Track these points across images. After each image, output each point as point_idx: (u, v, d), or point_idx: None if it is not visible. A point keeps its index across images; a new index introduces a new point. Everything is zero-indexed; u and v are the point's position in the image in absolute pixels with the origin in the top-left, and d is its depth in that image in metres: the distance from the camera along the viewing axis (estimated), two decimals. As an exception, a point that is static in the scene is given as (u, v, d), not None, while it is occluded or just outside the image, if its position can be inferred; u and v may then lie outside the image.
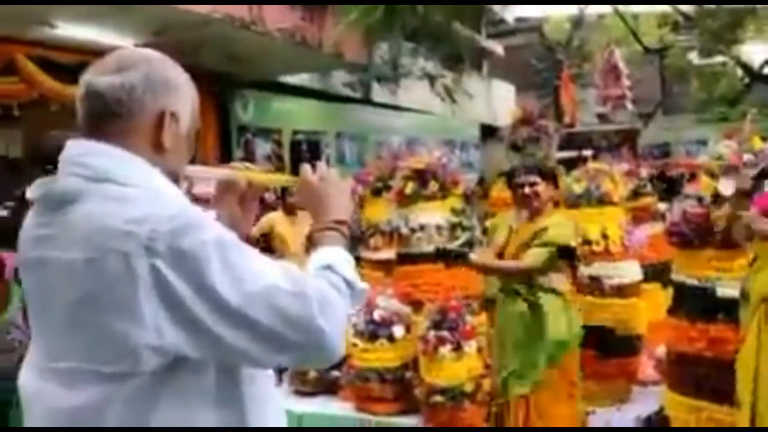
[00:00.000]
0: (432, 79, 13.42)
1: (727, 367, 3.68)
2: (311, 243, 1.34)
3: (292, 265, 1.22)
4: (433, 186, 5.17)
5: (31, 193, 1.27)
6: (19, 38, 7.26)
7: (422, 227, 5.02)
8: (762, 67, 17.63)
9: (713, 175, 3.93)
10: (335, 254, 1.29)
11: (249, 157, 10.46)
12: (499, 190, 6.56)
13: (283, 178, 1.52)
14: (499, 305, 4.10)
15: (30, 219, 1.29)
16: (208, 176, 1.46)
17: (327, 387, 5.01)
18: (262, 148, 10.85)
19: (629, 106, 19.28)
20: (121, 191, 1.18)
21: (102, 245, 1.12)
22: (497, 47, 20.32)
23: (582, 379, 4.68)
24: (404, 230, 5.06)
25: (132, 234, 1.10)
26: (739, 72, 18.39)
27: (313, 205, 1.41)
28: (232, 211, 1.48)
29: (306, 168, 1.44)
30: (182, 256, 1.10)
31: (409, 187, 5.25)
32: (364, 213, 6.47)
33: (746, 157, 3.86)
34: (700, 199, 3.90)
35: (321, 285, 1.19)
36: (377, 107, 13.47)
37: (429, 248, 4.87)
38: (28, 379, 1.27)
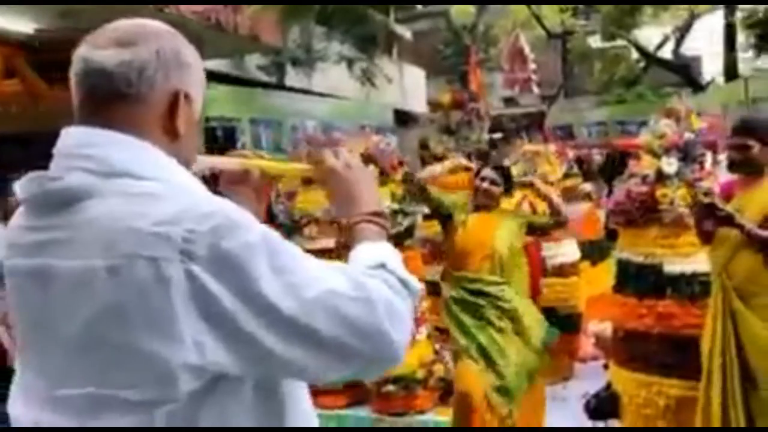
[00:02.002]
0: (350, 62, 13.27)
1: (676, 342, 3.79)
2: (349, 237, 1.20)
3: (345, 265, 1.08)
4: (374, 172, 5.08)
5: (21, 191, 1.07)
6: None
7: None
8: (657, 50, 18.44)
9: (655, 154, 4.01)
10: (384, 251, 1.14)
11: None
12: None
13: (300, 167, 1.36)
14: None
15: (19, 221, 1.09)
16: (220, 166, 1.29)
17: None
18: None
19: (535, 89, 19.80)
20: (142, 186, 1.00)
21: (127, 251, 0.94)
22: (406, 32, 20.36)
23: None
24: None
25: (164, 236, 0.93)
26: (636, 55, 19.16)
27: (343, 196, 1.26)
28: (245, 203, 1.32)
29: (329, 155, 1.29)
30: (224, 260, 0.94)
31: (348, 173, 5.14)
32: (296, 201, 6.30)
33: (687, 135, 3.96)
34: (644, 178, 3.97)
35: (381, 286, 1.05)
36: (292, 92, 13.18)
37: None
38: (23, 410, 1.06)
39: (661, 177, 3.91)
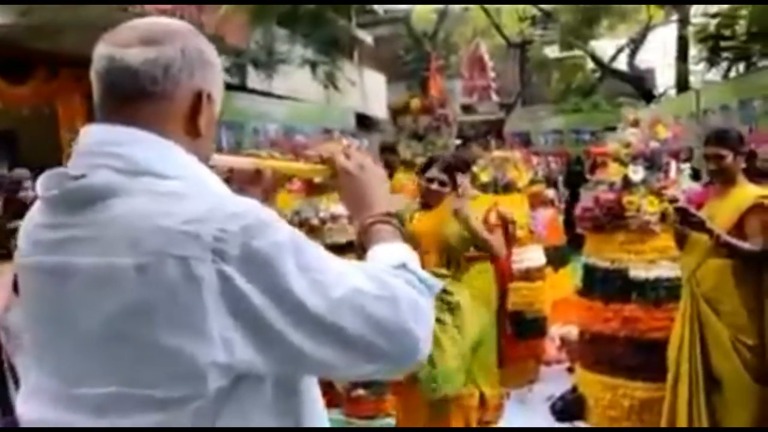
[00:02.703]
0: (314, 65, 13.23)
1: (641, 345, 3.91)
2: (365, 239, 1.21)
3: (368, 264, 1.09)
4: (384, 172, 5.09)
5: (41, 188, 1.06)
6: None
7: (334, 217, 4.92)
8: (611, 61, 18.88)
9: (622, 162, 4.12)
10: (403, 251, 1.15)
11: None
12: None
13: (312, 168, 1.35)
14: None
15: (37, 218, 1.08)
16: (234, 165, 1.29)
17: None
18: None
19: (494, 97, 20.09)
20: (167, 185, 1.00)
21: (157, 249, 0.94)
22: (367, 37, 20.40)
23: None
24: (314, 221, 4.93)
25: (194, 235, 0.94)
26: (592, 65, 19.56)
27: (356, 197, 1.27)
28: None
29: (340, 155, 1.30)
30: (255, 260, 0.95)
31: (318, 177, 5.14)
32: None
33: (652, 144, 4.08)
34: (611, 185, 4.08)
35: (405, 286, 1.06)
36: (254, 94, 13.09)
37: (342, 239, 4.79)
38: (36, 410, 1.05)
39: (627, 184, 4.03)
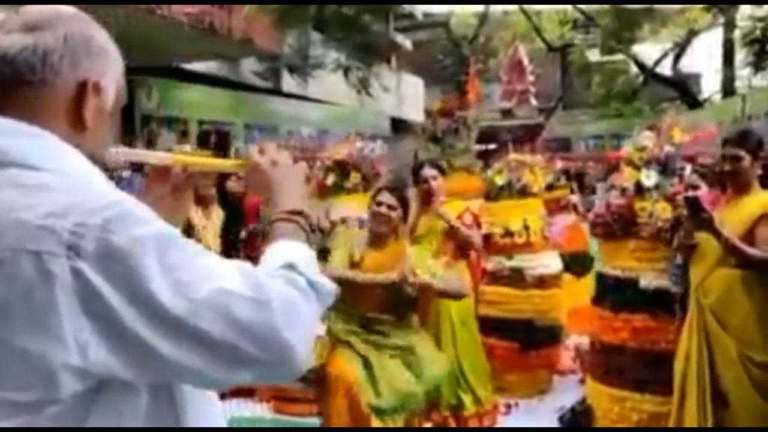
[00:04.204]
0: (347, 70, 13.24)
1: (650, 357, 3.75)
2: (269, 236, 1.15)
3: (248, 264, 1.03)
4: (354, 178, 5.04)
5: None
6: None
7: (344, 220, 4.87)
8: (655, 65, 18.45)
9: (635, 167, 3.97)
10: (296, 251, 1.09)
11: (154, 148, 9.98)
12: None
13: (227, 163, 1.30)
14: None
15: None
16: (137, 159, 1.24)
17: (242, 389, 4.77)
18: (167, 138, 10.35)
19: (532, 101, 19.81)
20: (36, 177, 0.95)
21: (13, 244, 0.88)
22: (405, 41, 20.38)
23: (503, 372, 4.69)
24: (325, 223, 4.89)
25: (50, 229, 0.88)
26: (635, 70, 19.16)
27: (266, 194, 1.22)
28: (161, 201, 1.26)
29: (255, 151, 1.25)
30: (112, 256, 0.89)
31: (330, 179, 5.10)
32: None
33: (667, 148, 3.92)
34: (623, 190, 3.93)
35: (283, 288, 0.99)
36: (287, 98, 13.17)
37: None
38: None
39: (640, 190, 3.87)
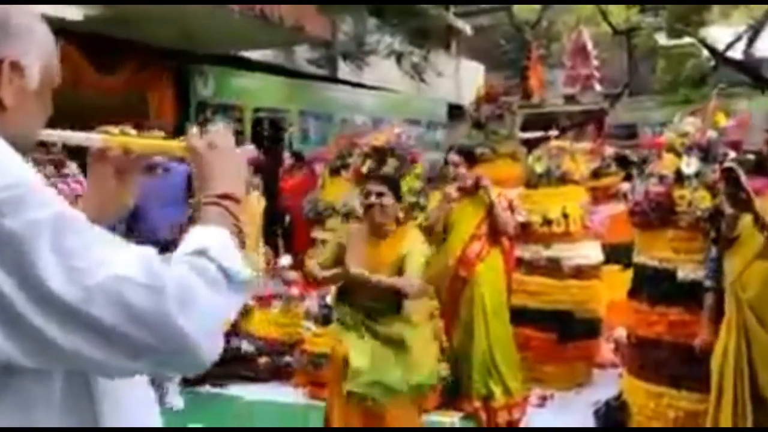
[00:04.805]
0: (400, 56, 13.15)
1: (687, 353, 3.58)
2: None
3: (151, 251, 1.00)
4: (391, 164, 5.00)
5: None
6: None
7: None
8: (726, 50, 17.65)
9: (677, 153, 3.80)
10: (212, 236, 1.05)
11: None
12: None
13: (167, 144, 1.26)
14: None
15: None
16: (68, 141, 1.22)
17: (278, 373, 4.83)
18: (222, 125, 10.51)
19: (597, 86, 19.27)
20: None
21: None
22: (465, 26, 20.10)
23: (539, 363, 4.60)
24: (360, 210, 4.87)
25: None
26: (705, 54, 18.37)
27: (199, 176, 1.18)
28: (103, 184, 1.25)
29: (193, 132, 1.21)
30: (4, 241, 0.87)
31: (366, 165, 5.08)
32: (323, 193, 6.30)
33: (710, 133, 3.74)
34: (662, 178, 3.77)
35: (184, 274, 0.95)
36: (343, 85, 13.17)
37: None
38: None
39: (680, 177, 3.71)
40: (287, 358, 4.80)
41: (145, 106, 9.59)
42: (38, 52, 1.07)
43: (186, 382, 4.54)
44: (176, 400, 4.47)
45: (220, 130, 1.23)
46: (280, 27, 8.96)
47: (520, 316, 4.48)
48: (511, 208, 4.36)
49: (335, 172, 6.02)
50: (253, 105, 11.11)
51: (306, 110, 12.45)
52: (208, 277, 0.98)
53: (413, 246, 3.25)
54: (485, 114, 5.97)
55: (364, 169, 5.04)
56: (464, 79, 18.53)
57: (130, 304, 0.90)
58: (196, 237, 1.05)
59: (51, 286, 0.87)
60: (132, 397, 1.10)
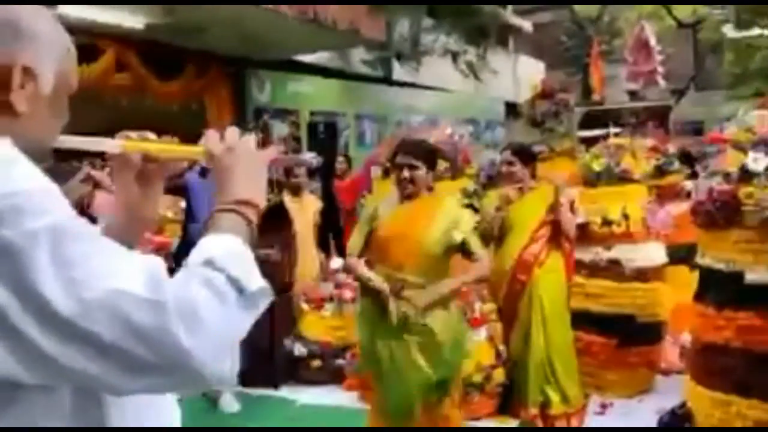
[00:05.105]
0: (455, 55, 13.03)
1: (757, 359, 3.39)
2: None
3: (159, 261, 0.95)
4: (442, 165, 4.92)
5: None
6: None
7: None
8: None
9: (742, 149, 3.60)
10: (223, 245, 0.99)
11: (266, 139, 10.27)
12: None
13: (187, 149, 1.22)
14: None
15: None
16: (86, 148, 1.19)
17: (331, 376, 4.80)
18: (279, 129, 10.62)
19: (661, 82, 18.70)
20: None
21: None
22: (524, 23, 19.81)
23: (599, 369, 4.44)
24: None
25: None
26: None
27: (218, 181, 1.13)
28: (128, 191, 1.21)
29: (211, 136, 1.16)
30: (2, 251, 0.83)
31: (418, 167, 5.01)
32: (375, 195, 6.27)
33: (779, 127, 3.53)
34: (727, 175, 3.57)
35: (188, 287, 0.90)
36: (398, 86, 13.13)
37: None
38: None
39: (746, 174, 3.50)
40: (339, 361, 4.77)
41: (204, 111, 9.77)
42: (52, 56, 1.04)
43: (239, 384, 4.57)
44: (231, 403, 4.49)
45: (239, 133, 1.18)
46: (334, 30, 8.98)
47: (579, 320, 4.32)
48: (573, 209, 4.21)
49: (386, 173, 5.97)
50: (308, 108, 11.18)
51: (362, 113, 12.47)
52: (216, 289, 0.92)
53: (458, 212, 3.27)
54: (541, 111, 5.84)
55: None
56: (523, 76, 18.26)
57: (129, 319, 0.85)
58: (206, 245, 0.99)
59: (48, 298, 0.83)
60: (146, 409, 1.06)
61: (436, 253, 3.18)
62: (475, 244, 3.23)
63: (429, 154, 3.37)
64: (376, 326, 3.22)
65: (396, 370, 3.17)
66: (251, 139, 1.19)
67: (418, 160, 3.23)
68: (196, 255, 0.97)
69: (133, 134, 1.21)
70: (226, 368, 0.92)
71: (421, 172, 3.22)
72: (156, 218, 1.29)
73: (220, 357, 0.91)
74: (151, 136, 1.23)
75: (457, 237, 3.18)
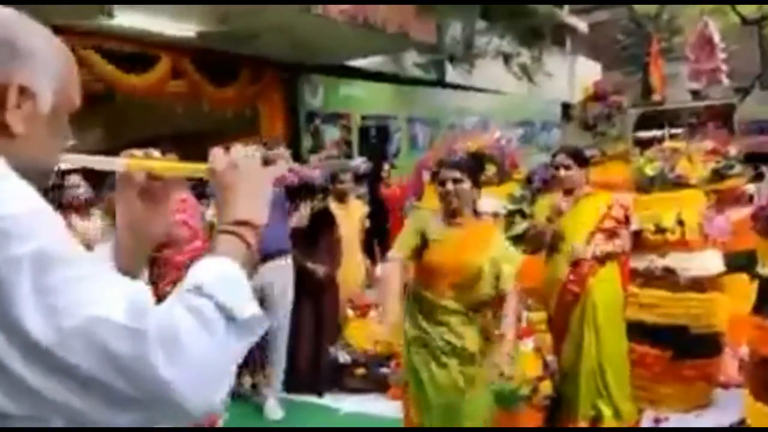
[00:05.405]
0: (507, 57, 12.84)
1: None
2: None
3: (144, 288, 0.91)
4: (489, 170, 4.83)
5: None
6: (78, 29, 7.27)
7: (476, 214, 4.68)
8: None
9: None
10: (216, 269, 0.94)
11: (318, 144, 10.33)
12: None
13: (191, 167, 1.18)
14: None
15: None
16: (90, 166, 1.16)
17: (375, 384, 4.76)
18: (331, 134, 10.65)
19: (724, 80, 18.08)
20: None
21: None
22: (580, 23, 19.42)
23: (654, 382, 4.27)
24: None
25: None
26: None
27: (220, 200, 1.10)
28: (131, 210, 1.18)
29: (215, 153, 1.13)
30: None
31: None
32: (424, 200, 6.19)
33: None
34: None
35: (172, 315, 0.86)
36: (451, 89, 13.02)
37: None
38: None
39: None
40: (384, 370, 4.72)
41: (257, 117, 9.88)
42: (50, 75, 1.01)
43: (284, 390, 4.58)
44: (275, 409, 4.49)
45: (244, 150, 1.14)
46: (384, 33, 8.96)
47: (632, 331, 4.16)
48: (627, 218, 4.05)
49: (435, 179, 5.90)
50: (360, 112, 11.19)
51: (414, 116, 12.40)
52: (202, 316, 0.87)
53: (507, 249, 3.23)
54: (593, 114, 5.68)
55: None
56: (580, 77, 17.91)
57: (106, 348, 0.81)
58: (198, 270, 0.95)
59: (28, 328, 0.80)
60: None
61: (481, 286, 3.16)
62: (510, 280, 3.17)
63: (473, 168, 3.33)
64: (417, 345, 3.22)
65: (438, 393, 3.15)
66: (256, 156, 1.15)
67: (462, 173, 3.19)
68: (187, 280, 0.93)
69: (138, 152, 1.19)
70: (212, 400, 0.87)
71: (466, 185, 3.17)
72: (163, 238, 1.26)
73: (204, 389, 0.86)
74: (156, 153, 1.20)
75: (506, 270, 3.14)
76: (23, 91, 0.97)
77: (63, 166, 1.20)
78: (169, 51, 8.30)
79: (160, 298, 0.90)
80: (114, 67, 7.63)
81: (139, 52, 7.97)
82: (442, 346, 3.13)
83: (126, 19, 7.19)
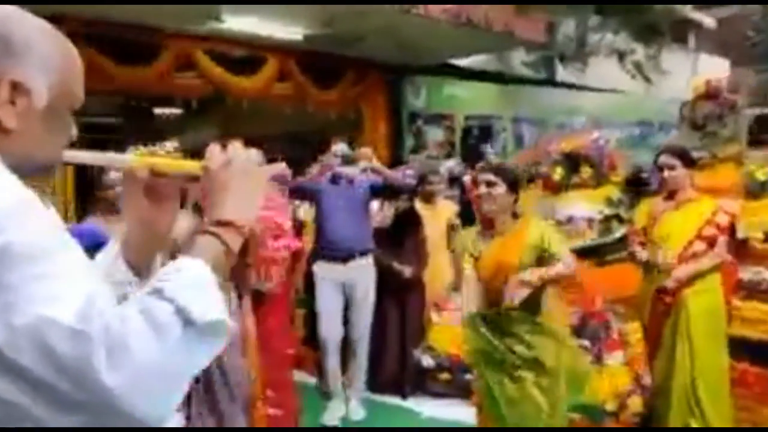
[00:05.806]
0: (621, 55, 12.31)
1: None
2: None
3: (105, 289, 0.89)
4: (585, 172, 4.62)
5: None
6: (191, 33, 7.60)
7: (570, 219, 4.49)
8: None
9: None
10: (183, 271, 0.93)
11: (420, 144, 10.31)
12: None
13: (187, 164, 1.16)
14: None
15: None
16: (94, 163, 1.17)
17: (460, 390, 4.66)
18: (434, 134, 10.59)
19: None
20: None
21: None
22: (706, 19, 18.33)
23: (756, 402, 3.96)
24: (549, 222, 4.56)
25: None
26: None
27: (211, 197, 1.08)
28: (136, 207, 1.18)
29: (211, 150, 1.11)
30: None
31: (558, 173, 4.75)
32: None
33: None
34: None
35: (123, 319, 0.84)
36: (559, 87, 12.62)
37: (575, 244, 4.35)
38: None
39: None
40: (468, 376, 4.61)
41: (360, 118, 9.97)
42: (46, 70, 1.01)
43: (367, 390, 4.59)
44: (356, 410, 4.50)
45: (240, 148, 1.11)
46: (489, 32, 8.81)
47: (732, 347, 3.87)
48: (733, 227, 3.77)
49: (530, 180, 5.72)
50: (464, 113, 11.06)
51: (519, 115, 12.12)
52: (154, 320, 0.85)
53: (547, 235, 3.10)
54: (702, 114, 5.32)
55: (556, 177, 4.71)
56: (704, 75, 16.91)
57: (52, 350, 0.80)
58: (164, 272, 0.93)
59: None
60: None
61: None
62: (558, 249, 3.07)
63: (509, 174, 3.23)
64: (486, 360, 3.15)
65: (512, 407, 3.06)
66: (252, 153, 1.12)
67: (497, 177, 3.13)
68: (150, 282, 0.91)
69: (142, 149, 1.19)
70: (162, 408, 0.85)
71: (501, 189, 3.10)
72: (171, 234, 1.26)
73: (152, 396, 0.84)
74: (161, 151, 1.20)
75: (551, 247, 3.05)
76: (17, 87, 0.98)
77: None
78: (276, 54, 8.53)
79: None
80: (223, 69, 7.93)
81: (246, 55, 8.24)
82: (513, 359, 3.04)
83: (235, 22, 7.45)
